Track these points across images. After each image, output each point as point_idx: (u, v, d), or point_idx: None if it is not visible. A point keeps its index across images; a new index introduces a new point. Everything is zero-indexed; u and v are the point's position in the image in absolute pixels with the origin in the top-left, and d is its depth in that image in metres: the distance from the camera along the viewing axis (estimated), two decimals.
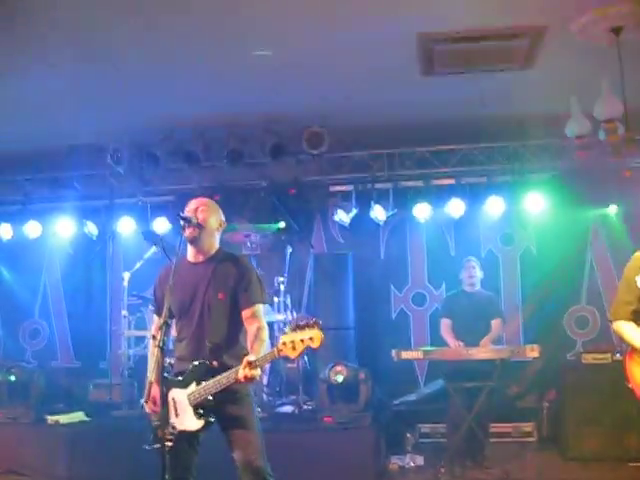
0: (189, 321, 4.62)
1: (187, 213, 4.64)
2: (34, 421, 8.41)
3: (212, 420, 4.43)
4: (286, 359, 4.57)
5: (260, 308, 4.67)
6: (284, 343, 4.13)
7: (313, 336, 4.08)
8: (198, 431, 4.45)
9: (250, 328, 4.58)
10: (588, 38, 6.32)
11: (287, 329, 4.26)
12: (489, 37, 6.59)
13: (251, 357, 4.23)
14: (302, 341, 4.09)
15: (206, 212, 4.71)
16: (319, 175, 9.76)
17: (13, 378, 8.71)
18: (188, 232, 4.58)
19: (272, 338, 7.25)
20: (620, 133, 6.70)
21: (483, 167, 9.28)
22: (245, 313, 4.61)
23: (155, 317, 4.93)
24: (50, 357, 10.79)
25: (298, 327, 4.13)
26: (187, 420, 4.43)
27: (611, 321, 4.87)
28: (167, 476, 4.09)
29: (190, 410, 4.42)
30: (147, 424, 4.62)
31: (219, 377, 4.37)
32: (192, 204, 4.76)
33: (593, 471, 7.32)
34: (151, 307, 4.92)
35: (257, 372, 4.22)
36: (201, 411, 4.41)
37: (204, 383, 4.40)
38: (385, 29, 6.41)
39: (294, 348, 4.11)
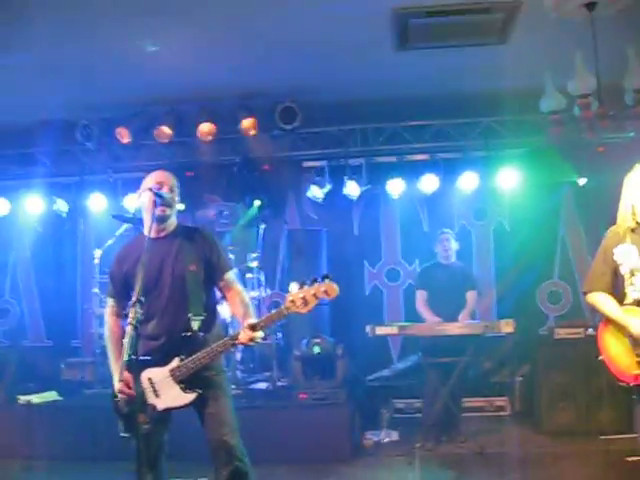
0: (158, 298, 4.50)
1: (159, 189, 4.55)
2: (6, 401, 8.35)
3: (201, 392, 4.38)
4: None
5: (233, 273, 4.71)
6: (292, 301, 4.17)
7: (327, 289, 4.14)
8: (187, 405, 4.40)
9: (231, 294, 4.60)
10: (562, 13, 6.27)
11: (292, 288, 4.22)
12: (464, 11, 6.53)
13: (251, 320, 4.25)
14: (314, 295, 4.15)
15: (174, 190, 4.67)
16: (292, 151, 9.68)
17: None
18: (160, 210, 4.50)
19: None
20: (594, 109, 6.72)
21: (457, 142, 9.23)
22: (222, 281, 4.61)
23: (110, 300, 4.79)
24: (21, 336, 10.67)
25: (305, 284, 4.17)
26: (173, 397, 4.38)
27: (585, 293, 4.87)
28: (144, 457, 4.03)
29: (175, 387, 4.37)
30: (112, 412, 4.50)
31: (210, 348, 4.34)
32: (161, 179, 4.67)
33: (566, 444, 7.40)
34: (109, 292, 4.75)
35: (261, 334, 4.24)
36: (188, 385, 4.37)
37: (190, 357, 4.35)
38: (359, 3, 6.34)
39: (305, 304, 4.16)
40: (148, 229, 4.53)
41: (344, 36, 6.98)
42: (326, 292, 4.15)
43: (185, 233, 4.67)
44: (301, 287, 4.19)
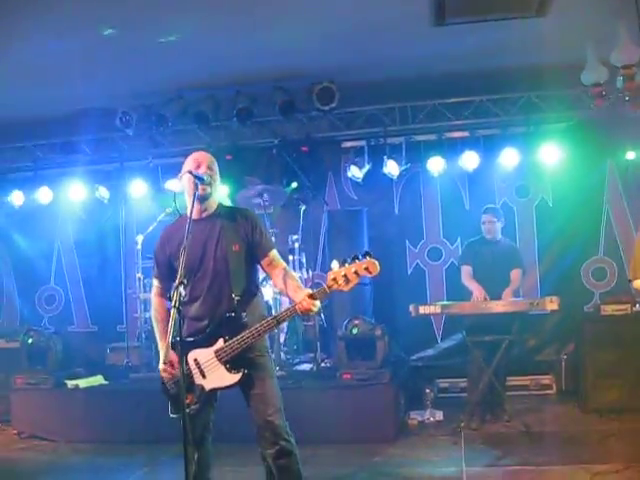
0: (201, 279, 4.51)
1: (198, 171, 4.55)
2: (54, 386, 8.47)
3: (247, 372, 4.38)
4: (303, 317, 4.53)
5: (276, 252, 4.67)
6: (334, 279, 4.14)
7: (368, 266, 4.10)
8: (234, 385, 4.40)
9: (276, 272, 4.57)
10: None
11: (333, 266, 4.19)
12: None
13: (309, 290, 4.24)
14: (356, 272, 4.11)
15: (213, 168, 4.64)
16: (331, 131, 9.67)
17: (31, 341, 8.75)
18: (202, 189, 4.47)
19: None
20: (638, 79, 6.57)
21: (497, 119, 9.13)
22: (266, 260, 4.59)
23: (155, 281, 4.80)
24: (67, 322, 10.86)
25: (346, 262, 4.14)
26: (219, 377, 4.39)
27: (630, 280, 4.78)
28: (191, 436, 4.05)
29: (221, 367, 4.37)
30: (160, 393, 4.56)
31: (254, 327, 4.33)
32: (199, 160, 4.64)
33: (612, 423, 7.31)
34: (155, 273, 4.77)
35: (318, 304, 4.23)
36: (233, 365, 4.37)
37: (234, 338, 4.35)
38: None
39: (347, 281, 4.12)
40: (190, 211, 4.52)
41: (380, 13, 6.90)
42: (367, 269, 4.11)
43: (227, 213, 4.66)
44: (342, 265, 4.16)
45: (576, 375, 8.54)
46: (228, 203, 7.32)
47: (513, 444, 6.83)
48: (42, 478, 6.78)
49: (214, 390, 4.46)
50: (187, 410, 4.09)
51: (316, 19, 7.02)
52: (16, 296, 11.14)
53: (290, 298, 4.44)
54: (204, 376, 4.42)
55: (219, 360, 4.38)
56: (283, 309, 4.62)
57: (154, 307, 4.78)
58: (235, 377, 4.38)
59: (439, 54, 7.91)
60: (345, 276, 4.12)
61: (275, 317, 4.42)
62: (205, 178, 4.45)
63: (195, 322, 4.52)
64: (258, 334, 4.35)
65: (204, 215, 4.61)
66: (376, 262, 4.12)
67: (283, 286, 4.54)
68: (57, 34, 6.89)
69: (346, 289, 4.15)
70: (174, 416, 4.44)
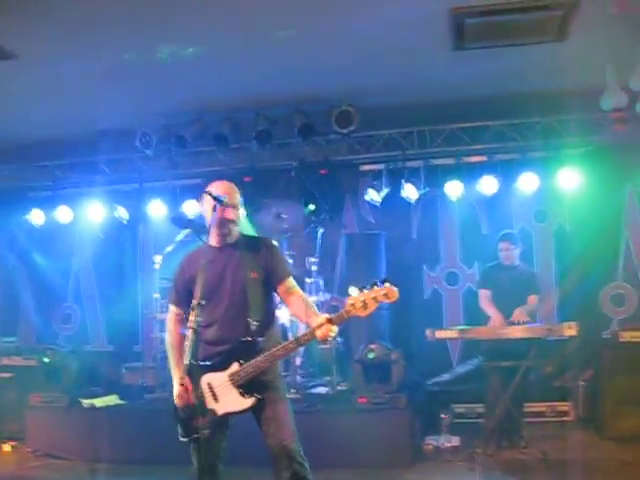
0: (218, 304, 4.55)
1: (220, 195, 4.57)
2: (69, 404, 8.50)
3: (260, 397, 4.39)
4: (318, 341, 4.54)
5: (293, 280, 4.71)
6: (352, 304, 4.16)
7: (387, 292, 4.13)
8: (246, 410, 4.41)
9: (292, 299, 4.62)
10: (622, 9, 6.14)
11: (351, 292, 4.22)
12: (521, 9, 6.42)
13: (327, 315, 4.25)
14: (374, 299, 4.13)
15: (237, 197, 4.69)
16: (349, 154, 9.69)
17: (47, 360, 8.79)
18: (229, 213, 4.55)
19: None
20: None
21: (516, 143, 9.11)
22: (283, 287, 4.63)
23: (172, 307, 4.83)
24: (83, 341, 10.88)
25: (364, 288, 4.16)
26: (232, 402, 4.40)
27: None
28: (203, 463, 4.06)
29: (234, 391, 4.39)
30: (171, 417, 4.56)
31: (270, 352, 4.36)
32: (224, 187, 4.67)
33: (631, 450, 7.22)
34: (172, 299, 4.81)
35: (336, 329, 4.24)
36: (247, 390, 4.38)
37: (248, 362, 4.37)
38: (416, 5, 6.31)
39: (365, 307, 4.14)
40: (211, 236, 4.63)
41: (400, 37, 6.94)
42: (386, 295, 4.14)
43: (247, 242, 4.73)
44: (361, 291, 4.18)
45: (594, 402, 8.46)
46: (247, 226, 7.33)
47: (530, 471, 6.78)
48: None
49: (226, 415, 4.46)
50: (198, 435, 4.11)
51: (335, 43, 7.06)
52: (33, 313, 11.20)
53: (307, 324, 4.44)
54: (217, 400, 4.43)
55: (233, 384, 4.39)
56: (301, 334, 4.62)
57: (169, 333, 4.80)
58: (248, 402, 4.39)
59: (458, 78, 7.94)
60: (364, 302, 4.14)
61: (292, 342, 4.46)
62: (224, 199, 4.47)
63: (211, 346, 4.54)
64: (274, 358, 4.38)
65: (227, 242, 4.67)
66: (395, 289, 4.14)
67: (300, 313, 4.58)
68: (77, 55, 6.96)
69: (363, 315, 4.17)
70: (184, 440, 4.45)
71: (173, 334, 4.75)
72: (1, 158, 10.11)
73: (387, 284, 4.14)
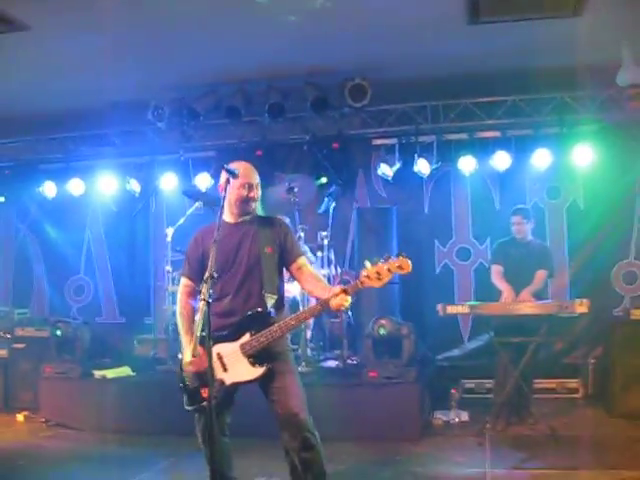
0: (232, 277, 4.62)
1: (248, 179, 4.70)
2: (81, 376, 8.55)
3: (270, 366, 4.45)
4: (330, 314, 4.63)
5: (305, 259, 4.84)
6: (367, 276, 4.26)
7: (401, 264, 4.24)
8: (256, 379, 4.47)
9: (304, 276, 4.71)
10: None
11: (367, 264, 4.30)
12: None
13: (339, 286, 4.34)
14: (389, 270, 4.25)
15: (256, 177, 4.80)
16: (362, 129, 9.67)
17: (59, 333, 8.85)
18: (255, 194, 4.71)
19: None
20: None
21: (530, 119, 9.05)
22: (295, 265, 4.73)
23: (184, 279, 4.89)
24: (95, 313, 10.97)
25: (379, 261, 4.26)
26: (242, 371, 4.46)
27: None
28: (213, 433, 4.09)
29: (244, 361, 4.45)
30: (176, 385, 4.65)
31: (282, 322, 4.44)
32: (248, 170, 4.76)
33: None
34: (185, 271, 4.87)
35: (349, 299, 4.33)
36: (257, 359, 4.44)
37: (260, 332, 4.43)
38: None
39: (379, 278, 4.25)
40: (227, 212, 4.73)
41: (414, 11, 6.89)
42: (400, 267, 4.25)
43: (262, 220, 4.83)
44: (375, 264, 4.27)
45: (604, 379, 8.46)
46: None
47: (539, 447, 6.77)
48: (67, 466, 6.82)
49: (234, 385, 4.51)
50: (205, 404, 4.16)
51: (349, 15, 7.01)
52: (46, 285, 11.28)
53: (320, 298, 4.48)
54: (225, 370, 4.49)
55: (243, 353, 4.45)
56: (313, 304, 4.68)
57: (180, 304, 4.86)
58: (258, 371, 4.45)
59: (472, 53, 7.88)
60: (377, 273, 4.24)
61: (305, 312, 4.54)
62: (237, 172, 4.50)
63: (223, 318, 4.58)
64: (287, 328, 4.46)
65: (242, 220, 4.76)
66: (409, 261, 4.26)
67: (312, 288, 4.67)
68: (90, 27, 6.94)
69: (378, 285, 4.27)
70: (189, 408, 4.54)
71: (185, 305, 4.82)
72: (13, 130, 10.12)
73: (401, 256, 4.26)
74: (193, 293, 4.77)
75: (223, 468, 4.58)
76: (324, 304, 4.35)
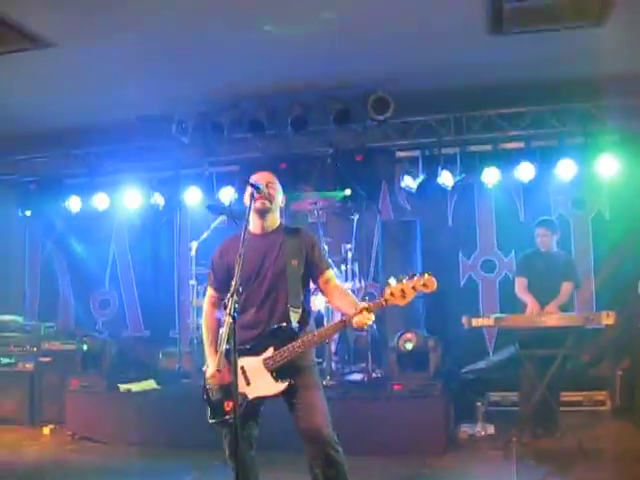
0: (257, 289, 4.61)
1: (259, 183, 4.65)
2: (107, 389, 8.58)
3: (293, 382, 4.44)
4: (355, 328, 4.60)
5: (332, 272, 4.80)
6: (391, 293, 4.26)
7: (426, 282, 4.25)
8: (279, 394, 4.46)
9: (330, 290, 4.69)
10: None
11: (391, 282, 4.30)
12: None
13: (364, 303, 4.33)
14: (414, 288, 4.26)
15: (274, 188, 4.76)
16: (385, 141, 9.66)
17: (85, 347, 8.91)
18: (260, 203, 4.62)
19: None
20: None
21: (554, 129, 8.99)
22: (322, 278, 4.70)
23: (210, 290, 4.91)
24: (120, 327, 11.02)
25: (403, 279, 4.27)
26: (265, 386, 4.46)
27: None
28: (238, 447, 4.08)
29: (267, 375, 4.45)
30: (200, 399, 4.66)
31: (306, 337, 4.43)
32: (261, 178, 4.75)
33: None
34: (210, 282, 4.90)
35: (373, 317, 4.31)
36: (280, 374, 4.43)
37: (283, 347, 4.42)
38: None
39: (404, 296, 4.26)
40: (252, 223, 4.71)
41: (437, 21, 6.90)
42: (425, 285, 4.25)
43: (288, 231, 4.80)
44: (400, 281, 4.27)
45: (631, 391, 8.35)
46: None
47: (566, 460, 6.71)
48: (92, 479, 6.87)
49: (257, 399, 4.50)
50: (228, 418, 4.17)
51: (372, 27, 7.02)
52: (72, 299, 11.36)
53: (346, 314, 4.47)
54: (248, 384, 4.48)
55: (266, 368, 4.44)
56: (338, 320, 4.66)
57: (205, 314, 4.89)
58: (281, 386, 4.44)
59: (496, 63, 7.86)
60: (402, 291, 4.24)
61: (329, 328, 4.54)
62: (262, 189, 4.52)
63: (247, 330, 4.57)
64: (310, 344, 4.43)
65: (266, 231, 4.75)
66: (434, 279, 4.26)
67: (339, 303, 4.64)
68: (114, 43, 7.01)
69: (402, 304, 4.29)
70: (212, 422, 4.55)
71: (210, 316, 4.84)
72: (38, 145, 10.23)
73: (426, 274, 4.26)
74: (218, 304, 4.78)
75: None
76: (347, 321, 4.35)
